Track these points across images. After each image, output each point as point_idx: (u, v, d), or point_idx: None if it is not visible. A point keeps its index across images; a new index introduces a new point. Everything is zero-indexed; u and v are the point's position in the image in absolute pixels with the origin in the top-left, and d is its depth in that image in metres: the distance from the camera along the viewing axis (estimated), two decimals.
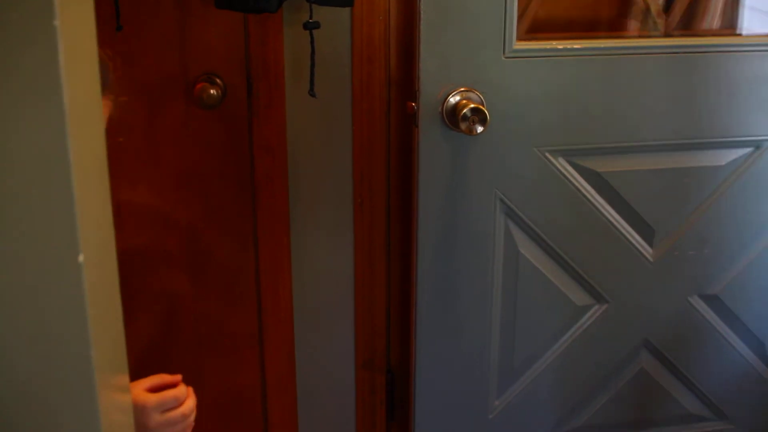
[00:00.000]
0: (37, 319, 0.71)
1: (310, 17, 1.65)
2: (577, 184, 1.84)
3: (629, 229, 1.91)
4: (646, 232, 1.91)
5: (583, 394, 2.03)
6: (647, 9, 1.96)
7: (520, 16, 1.77)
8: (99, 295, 0.75)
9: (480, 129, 1.69)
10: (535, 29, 1.91)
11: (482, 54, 1.72)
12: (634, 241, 1.92)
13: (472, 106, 1.68)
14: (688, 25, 2.02)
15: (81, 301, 0.70)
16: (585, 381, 2.02)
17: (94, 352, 0.71)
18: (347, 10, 1.75)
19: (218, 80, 1.74)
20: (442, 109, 1.72)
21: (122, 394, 0.88)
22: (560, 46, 1.76)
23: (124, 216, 1.79)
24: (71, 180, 0.69)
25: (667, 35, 1.97)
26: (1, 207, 0.69)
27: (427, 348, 1.89)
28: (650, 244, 1.93)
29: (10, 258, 0.70)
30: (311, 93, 1.69)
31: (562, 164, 1.82)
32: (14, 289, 0.70)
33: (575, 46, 1.77)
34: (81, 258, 0.69)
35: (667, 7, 1.98)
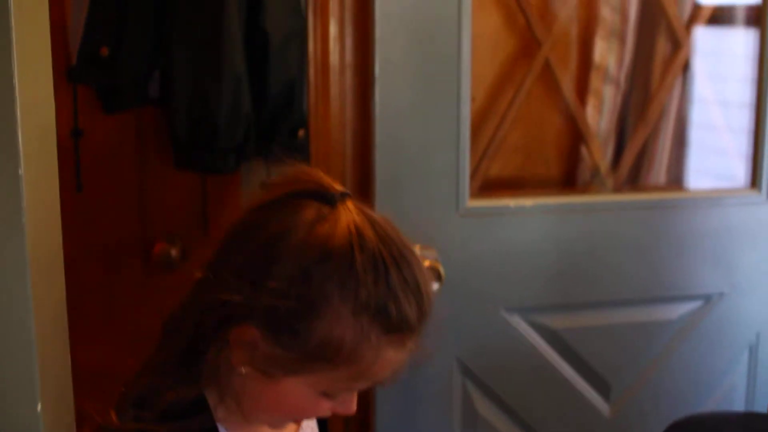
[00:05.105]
0: None
1: (268, 177, 1.68)
2: (533, 341, 1.84)
3: (585, 385, 1.91)
4: (603, 388, 1.91)
5: None
6: (596, 166, 2.01)
7: (473, 175, 1.80)
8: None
9: (435, 286, 1.69)
10: (488, 187, 1.94)
11: (437, 211, 1.74)
12: (590, 398, 1.91)
13: (426, 264, 1.69)
14: (636, 181, 2.08)
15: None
16: None
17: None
18: None
19: (177, 240, 1.75)
20: None
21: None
22: (512, 204, 1.79)
23: (82, 377, 1.76)
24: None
25: (616, 191, 2.02)
26: None
27: None
28: (606, 400, 1.92)
29: None
30: None
31: (517, 322, 1.83)
32: None
33: (527, 204, 1.80)
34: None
35: (615, 164, 2.04)
